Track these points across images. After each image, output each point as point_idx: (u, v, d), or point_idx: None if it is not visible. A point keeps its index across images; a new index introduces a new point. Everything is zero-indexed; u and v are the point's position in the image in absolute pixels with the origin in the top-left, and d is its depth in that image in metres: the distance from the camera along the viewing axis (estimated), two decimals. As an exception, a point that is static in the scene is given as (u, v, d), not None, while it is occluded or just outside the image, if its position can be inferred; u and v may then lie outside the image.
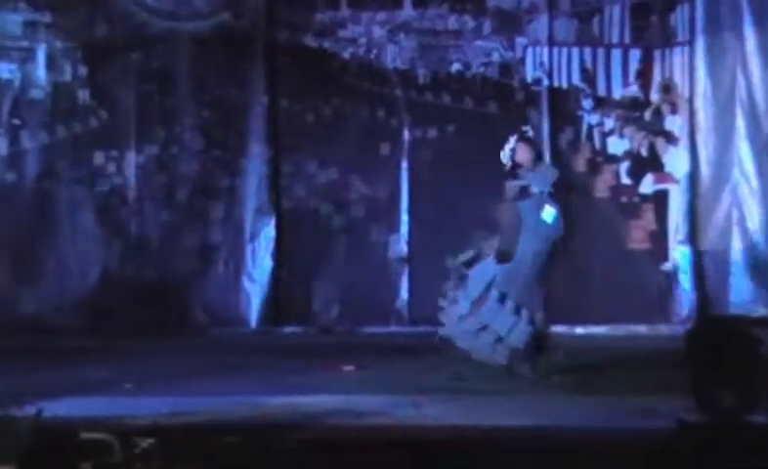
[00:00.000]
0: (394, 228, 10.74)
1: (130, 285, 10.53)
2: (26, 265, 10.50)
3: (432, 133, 10.78)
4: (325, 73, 10.73)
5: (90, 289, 10.55)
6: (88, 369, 8.26)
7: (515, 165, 8.19)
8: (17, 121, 10.67)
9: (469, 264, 8.28)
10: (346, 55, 10.78)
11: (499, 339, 7.99)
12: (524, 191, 8.17)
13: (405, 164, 10.73)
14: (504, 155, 8.19)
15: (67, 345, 9.51)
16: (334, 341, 10.12)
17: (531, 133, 8.49)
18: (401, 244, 10.68)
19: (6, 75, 10.59)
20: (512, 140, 8.19)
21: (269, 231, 10.73)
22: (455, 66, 10.81)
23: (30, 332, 9.95)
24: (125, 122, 10.67)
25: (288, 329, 10.61)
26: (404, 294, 10.66)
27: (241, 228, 10.69)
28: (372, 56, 10.79)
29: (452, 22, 10.79)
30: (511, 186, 8.23)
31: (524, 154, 8.15)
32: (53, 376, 7.77)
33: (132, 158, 10.66)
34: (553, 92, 10.74)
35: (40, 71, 10.62)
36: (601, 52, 10.77)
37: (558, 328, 10.48)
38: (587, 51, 10.77)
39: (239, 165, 10.72)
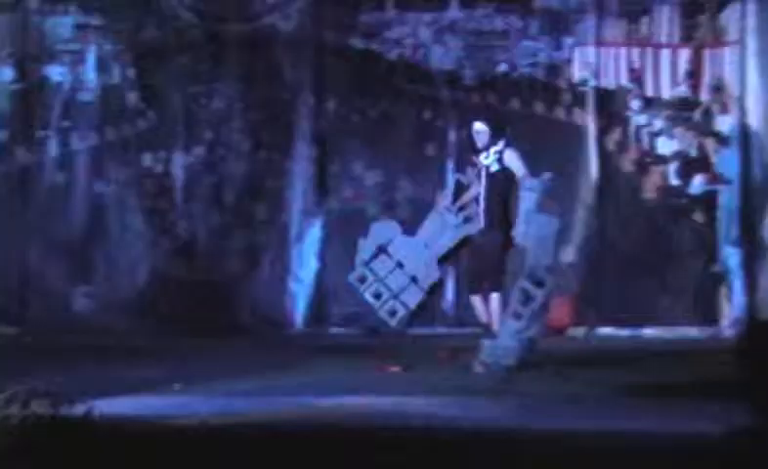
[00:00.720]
0: (440, 229, 10.71)
1: (178, 286, 10.60)
2: (77, 265, 10.60)
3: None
4: (372, 74, 10.74)
5: (138, 290, 10.64)
6: (137, 369, 8.32)
7: (503, 169, 8.33)
8: (67, 123, 10.78)
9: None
10: (392, 56, 10.78)
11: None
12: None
13: (451, 165, 10.72)
14: (488, 157, 8.32)
15: (117, 345, 9.59)
16: (380, 342, 10.11)
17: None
18: None
19: (57, 78, 10.71)
20: (500, 143, 8.36)
21: (315, 232, 10.76)
22: (502, 67, 10.78)
23: (81, 332, 10.05)
24: (173, 124, 10.74)
25: (334, 330, 10.63)
26: (449, 295, 10.64)
27: (288, 229, 10.72)
28: (419, 57, 10.79)
29: (499, 23, 10.75)
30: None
31: (513, 160, 8.34)
32: (103, 375, 7.83)
33: (180, 160, 10.74)
34: (600, 92, 10.67)
35: (90, 74, 10.73)
36: (650, 52, 10.69)
37: (606, 330, 10.46)
38: (635, 51, 10.69)
39: (286, 167, 10.76)
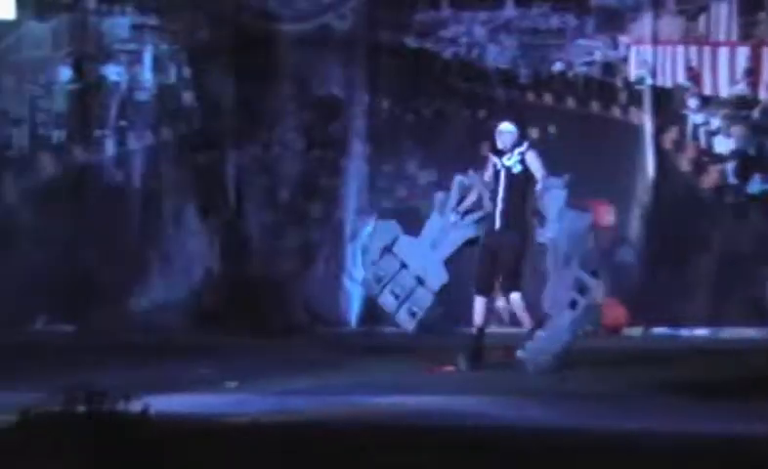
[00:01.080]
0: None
1: (232, 285, 10.66)
2: (133, 264, 10.69)
3: (533, 133, 10.68)
4: (426, 73, 10.71)
5: (193, 288, 10.71)
6: (192, 367, 8.37)
7: (525, 170, 8.37)
8: (123, 122, 10.87)
9: None
10: (447, 55, 10.75)
11: None
12: None
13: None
14: (510, 158, 8.39)
15: (172, 343, 9.66)
16: (434, 341, 10.10)
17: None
18: None
19: (114, 77, 10.81)
20: (525, 145, 8.45)
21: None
22: (557, 66, 10.71)
23: (137, 330, 10.14)
24: (228, 123, 10.79)
25: (389, 329, 10.62)
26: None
27: (342, 227, 10.74)
28: (474, 55, 10.75)
29: (555, 21, 10.69)
30: None
31: (535, 161, 8.38)
32: (158, 373, 7.90)
33: (235, 158, 10.78)
34: (657, 91, 10.57)
35: (146, 73, 10.81)
36: (707, 50, 10.57)
37: (662, 330, 10.37)
38: (693, 49, 10.58)
39: (340, 165, 10.77)
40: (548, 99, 10.69)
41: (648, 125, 10.57)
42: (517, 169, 8.39)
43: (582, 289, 8.07)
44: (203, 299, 10.65)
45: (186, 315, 10.56)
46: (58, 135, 10.85)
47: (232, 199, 10.81)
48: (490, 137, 10.68)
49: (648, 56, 10.59)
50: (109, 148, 10.86)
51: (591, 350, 9.46)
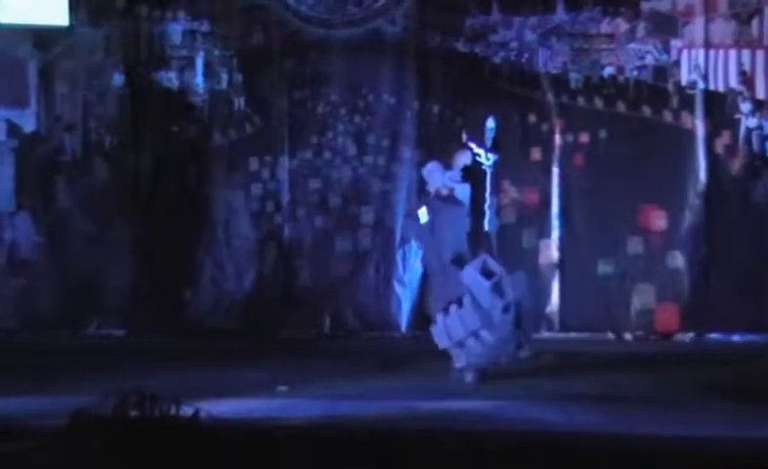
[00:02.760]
0: (545, 233, 10.64)
1: (283, 289, 10.70)
2: (186, 269, 10.75)
3: (584, 138, 10.64)
4: (476, 78, 10.69)
5: (245, 293, 10.76)
6: (243, 372, 8.41)
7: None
8: (175, 129, 10.94)
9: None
10: (497, 59, 10.72)
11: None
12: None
13: (556, 169, 10.62)
14: (489, 159, 8.10)
15: (223, 347, 9.71)
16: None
17: None
18: None
19: (166, 83, 10.89)
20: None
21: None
22: (608, 70, 10.64)
23: (189, 335, 10.21)
24: (279, 128, 10.84)
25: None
26: (554, 300, 10.55)
27: (392, 232, 10.74)
28: (524, 60, 10.71)
29: (605, 26, 10.62)
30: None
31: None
32: (210, 378, 7.94)
33: (285, 164, 10.82)
34: (709, 95, 10.47)
35: (198, 79, 10.88)
36: (760, 53, 10.45)
37: (715, 335, 10.26)
38: (746, 52, 10.47)
39: (391, 170, 10.77)
40: (599, 103, 10.62)
41: (700, 129, 10.47)
42: (490, 170, 8.23)
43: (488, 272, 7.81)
44: (254, 303, 10.69)
45: (236, 319, 10.61)
46: (110, 140, 10.94)
47: (283, 204, 10.85)
48: (541, 141, 10.72)
49: (700, 60, 10.49)
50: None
51: (643, 355, 9.41)
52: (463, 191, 8.30)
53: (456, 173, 8.24)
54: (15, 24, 10.61)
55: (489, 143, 8.36)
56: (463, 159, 8.31)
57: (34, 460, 5.51)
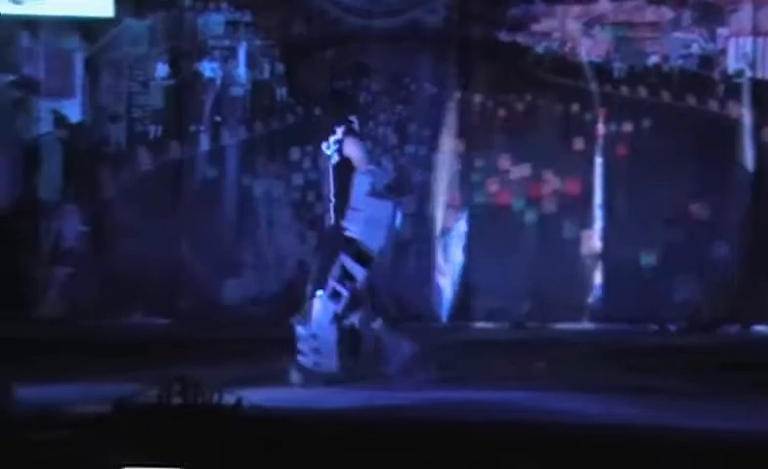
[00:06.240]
0: (587, 223, 10.58)
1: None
2: (228, 258, 10.81)
3: (627, 127, 10.57)
4: (518, 68, 10.64)
5: (286, 282, 10.80)
6: (284, 360, 8.43)
7: (344, 159, 7.63)
8: (218, 118, 11.00)
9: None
10: (539, 49, 10.67)
11: None
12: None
13: (599, 159, 10.56)
14: (329, 147, 7.68)
15: (265, 336, 9.75)
16: (525, 337, 10.05)
17: (356, 125, 7.84)
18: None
19: (209, 74, 10.95)
20: (339, 132, 7.69)
21: (460, 226, 10.74)
22: (652, 59, 10.56)
23: (230, 324, 10.26)
24: (320, 118, 10.85)
25: (479, 324, 10.60)
26: (597, 290, 10.50)
27: (433, 223, 10.73)
28: (567, 49, 10.65)
29: (650, 14, 10.54)
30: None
31: (352, 148, 7.61)
32: (251, 367, 7.98)
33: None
34: (757, 84, 10.36)
35: (240, 69, 10.92)
36: (809, 41, 10.33)
37: (760, 328, 10.16)
38: (795, 40, 10.36)
39: (432, 161, 10.76)
40: (643, 93, 10.54)
41: (747, 119, 10.36)
42: (335, 159, 7.70)
43: (345, 277, 7.43)
44: (295, 293, 10.71)
45: (278, 309, 10.64)
46: (154, 130, 11.02)
47: (324, 194, 10.85)
48: (584, 131, 10.66)
49: (748, 48, 10.37)
50: (204, 143, 11.00)
51: (686, 347, 9.34)
52: None
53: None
54: (61, 16, 10.71)
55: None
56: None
57: (78, 447, 5.57)
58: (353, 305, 7.50)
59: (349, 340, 7.52)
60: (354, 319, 7.54)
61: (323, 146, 7.81)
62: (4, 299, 10.35)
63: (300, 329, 7.58)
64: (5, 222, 10.83)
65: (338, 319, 7.47)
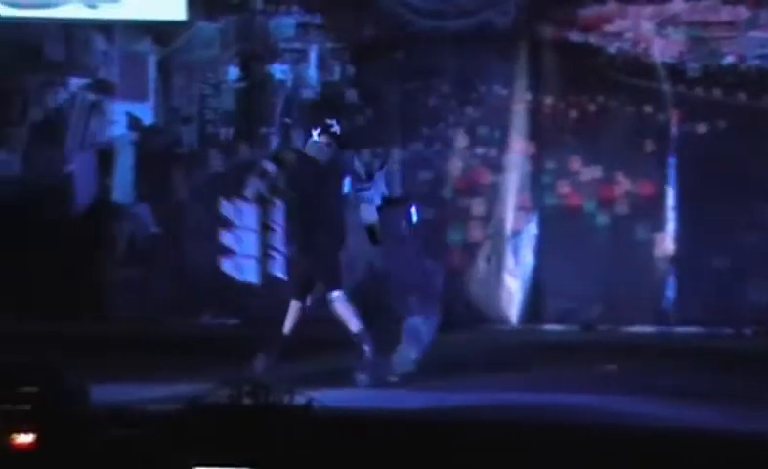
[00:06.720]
0: (660, 226, 10.46)
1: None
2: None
3: (702, 128, 10.43)
4: (590, 69, 10.55)
5: (356, 283, 10.79)
6: (353, 361, 8.44)
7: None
8: (288, 120, 11.06)
9: None
10: (612, 49, 10.57)
11: None
12: None
13: (672, 161, 10.43)
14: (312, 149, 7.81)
15: (336, 337, 9.77)
16: (596, 339, 9.97)
17: (336, 127, 7.95)
18: None
19: (279, 76, 11.01)
20: (314, 133, 7.85)
21: (531, 228, 10.68)
22: (728, 59, 10.40)
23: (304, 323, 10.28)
24: (390, 120, 10.86)
25: (549, 327, 10.53)
26: (670, 294, 10.37)
27: (503, 225, 10.68)
28: (639, 50, 10.54)
29: (725, 13, 10.38)
30: None
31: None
32: (322, 367, 8.00)
33: (397, 156, 10.84)
34: (837, 83, 10.18)
35: (311, 71, 10.97)
36: None
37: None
38: None
39: (502, 162, 10.71)
40: (718, 93, 10.39)
41: (823, 119, 10.18)
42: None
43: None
44: (365, 294, 10.71)
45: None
46: (225, 132, 11.11)
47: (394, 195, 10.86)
48: (657, 132, 10.54)
49: (826, 47, 10.19)
50: (274, 145, 11.05)
51: (762, 351, 9.19)
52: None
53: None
54: (135, 20, 10.84)
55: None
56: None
57: (150, 445, 5.63)
58: None
59: None
60: None
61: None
62: (80, 299, 10.51)
63: None
64: (81, 223, 10.99)
65: None
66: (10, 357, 6.98)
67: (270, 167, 8.19)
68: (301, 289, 8.14)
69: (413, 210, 8.29)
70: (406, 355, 7.93)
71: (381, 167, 8.42)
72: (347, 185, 8.02)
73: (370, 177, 8.18)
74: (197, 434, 5.56)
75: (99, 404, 6.09)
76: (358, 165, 8.20)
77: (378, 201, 8.09)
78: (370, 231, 8.05)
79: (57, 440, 5.63)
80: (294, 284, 8.39)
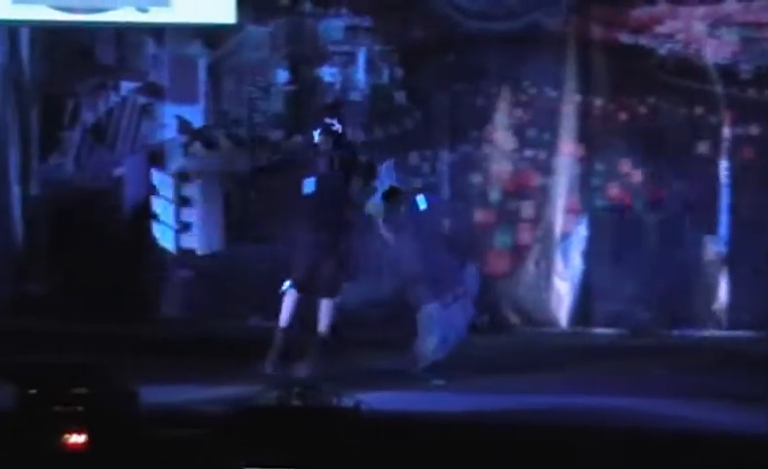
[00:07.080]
0: (711, 228, 10.36)
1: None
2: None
3: (754, 130, 10.32)
4: (641, 70, 10.47)
5: (400, 287, 10.78)
6: (399, 363, 8.45)
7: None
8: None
9: None
10: (663, 51, 10.48)
11: None
12: None
13: (724, 163, 10.33)
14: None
15: (382, 339, 9.77)
16: (646, 343, 9.90)
17: (337, 126, 7.93)
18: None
19: (328, 78, 11.04)
20: (315, 133, 7.94)
21: (581, 230, 10.62)
22: (782, 60, 10.29)
23: (348, 326, 10.29)
24: (439, 123, 10.84)
25: (599, 330, 10.46)
26: (722, 297, 10.27)
27: (553, 227, 10.63)
28: (691, 51, 10.44)
29: (780, 14, 10.28)
30: None
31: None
32: (370, 369, 8.02)
33: (445, 158, 10.83)
34: None
35: (359, 74, 10.98)
36: None
37: None
38: None
39: (552, 165, 10.66)
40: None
41: None
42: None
43: None
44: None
45: (393, 311, 10.64)
46: (275, 135, 11.15)
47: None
48: (709, 134, 10.43)
49: None
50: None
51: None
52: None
53: None
54: (185, 23, 10.92)
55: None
56: None
57: (200, 447, 5.67)
58: None
59: None
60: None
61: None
62: (129, 300, 10.60)
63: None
64: (130, 225, 11.09)
65: None
66: (61, 359, 7.06)
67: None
68: (301, 284, 8.19)
69: (419, 199, 8.28)
70: (424, 347, 7.92)
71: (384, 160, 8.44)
72: (352, 182, 8.04)
73: (373, 170, 8.22)
74: (247, 435, 5.59)
75: (149, 405, 6.14)
76: (361, 161, 8.24)
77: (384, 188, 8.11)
78: (388, 194, 8.05)
79: (108, 441, 5.68)
80: (295, 277, 8.40)
